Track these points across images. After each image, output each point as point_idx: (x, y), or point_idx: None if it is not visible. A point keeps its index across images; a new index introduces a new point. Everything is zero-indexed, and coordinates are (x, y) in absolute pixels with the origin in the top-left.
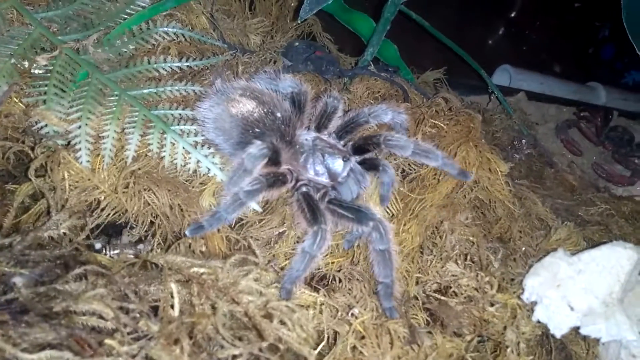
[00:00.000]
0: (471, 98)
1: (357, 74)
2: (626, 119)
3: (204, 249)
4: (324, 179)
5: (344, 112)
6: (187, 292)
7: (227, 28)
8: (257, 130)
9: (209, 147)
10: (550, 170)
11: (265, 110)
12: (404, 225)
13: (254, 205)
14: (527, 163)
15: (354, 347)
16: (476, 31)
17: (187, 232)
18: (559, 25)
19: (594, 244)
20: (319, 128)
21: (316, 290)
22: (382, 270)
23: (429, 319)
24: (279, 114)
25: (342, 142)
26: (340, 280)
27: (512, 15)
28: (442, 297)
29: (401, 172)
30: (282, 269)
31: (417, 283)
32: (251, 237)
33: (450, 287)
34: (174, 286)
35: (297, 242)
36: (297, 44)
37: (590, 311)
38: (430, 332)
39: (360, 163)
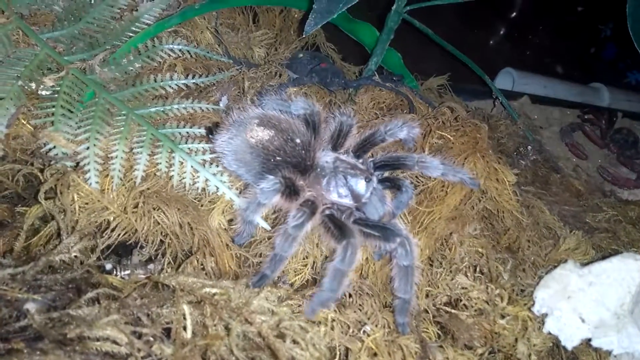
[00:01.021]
0: (475, 103)
1: (362, 85)
2: (630, 120)
3: (213, 265)
4: (348, 201)
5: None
6: (200, 313)
7: (232, 42)
8: (278, 158)
9: (217, 165)
10: (556, 176)
11: (284, 137)
12: (415, 237)
13: (263, 223)
14: (532, 169)
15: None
16: (478, 35)
17: (250, 284)
18: (560, 26)
19: (603, 253)
20: (336, 148)
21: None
22: (402, 285)
23: (439, 332)
24: (298, 140)
25: (360, 161)
26: (350, 296)
27: (513, 17)
28: (453, 310)
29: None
30: (291, 285)
31: (427, 296)
32: (260, 254)
33: (461, 300)
34: (186, 308)
35: (307, 256)
36: (301, 55)
37: (601, 323)
38: (441, 347)
39: (380, 181)
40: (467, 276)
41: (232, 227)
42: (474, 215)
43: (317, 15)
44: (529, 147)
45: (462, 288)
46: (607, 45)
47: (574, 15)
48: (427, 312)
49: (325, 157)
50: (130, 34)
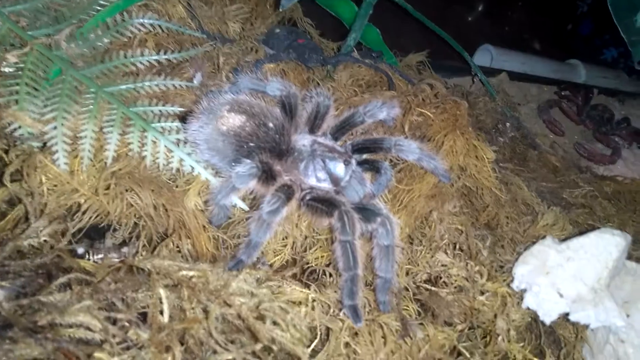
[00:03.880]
0: (454, 80)
1: (340, 61)
2: (606, 97)
3: (190, 247)
4: (327, 185)
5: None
6: (177, 296)
7: (205, 16)
8: (251, 144)
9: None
10: (534, 152)
11: (256, 122)
12: (394, 215)
13: (240, 203)
14: (511, 146)
15: (347, 344)
16: (457, 11)
17: (227, 269)
18: (539, 3)
19: (580, 228)
20: (313, 130)
21: (307, 286)
22: (383, 265)
23: (420, 310)
24: (271, 124)
25: (339, 143)
26: (330, 275)
27: None
28: (433, 288)
29: (389, 163)
30: (271, 266)
31: (407, 274)
32: (238, 236)
33: (441, 277)
34: (162, 291)
35: (286, 237)
36: (278, 31)
37: (579, 298)
38: (422, 324)
39: (359, 163)
40: (446, 253)
41: (208, 208)
42: (453, 192)
43: None
44: (507, 123)
45: (442, 265)
46: (583, 22)
47: None
48: (407, 290)
49: (303, 140)
50: (98, 8)
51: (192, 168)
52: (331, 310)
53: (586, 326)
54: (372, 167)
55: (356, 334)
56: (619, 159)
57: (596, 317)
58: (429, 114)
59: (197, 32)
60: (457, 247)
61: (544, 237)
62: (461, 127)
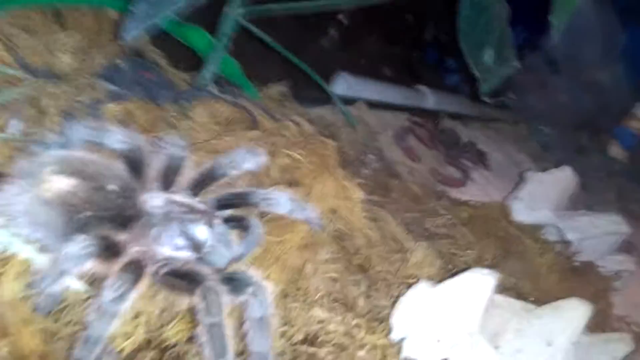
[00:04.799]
0: (316, 111)
1: (196, 96)
2: (452, 120)
3: (10, 349)
4: (186, 253)
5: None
6: None
7: (27, 46)
8: (86, 214)
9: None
10: (395, 182)
11: (92, 185)
12: (265, 272)
13: (75, 284)
14: (374, 177)
15: None
16: (312, 39)
17: None
18: (389, 32)
19: (447, 262)
20: (167, 186)
21: None
22: (258, 339)
23: None
24: (111, 186)
25: (198, 200)
26: (194, 355)
27: (347, 24)
28: (311, 349)
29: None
30: (120, 352)
31: (282, 336)
32: (75, 322)
33: (318, 336)
34: None
35: (138, 314)
36: (121, 63)
37: (456, 342)
38: None
39: (224, 221)
40: (322, 308)
41: (32, 294)
42: (325, 238)
43: (135, 20)
44: (370, 154)
45: (319, 322)
46: (429, 50)
47: (402, 22)
48: (283, 354)
49: (154, 200)
50: None
51: (5, 247)
52: None
53: None
54: (239, 224)
55: None
56: (469, 181)
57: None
58: (297, 155)
59: (13, 70)
60: (333, 298)
61: (416, 278)
62: (330, 168)
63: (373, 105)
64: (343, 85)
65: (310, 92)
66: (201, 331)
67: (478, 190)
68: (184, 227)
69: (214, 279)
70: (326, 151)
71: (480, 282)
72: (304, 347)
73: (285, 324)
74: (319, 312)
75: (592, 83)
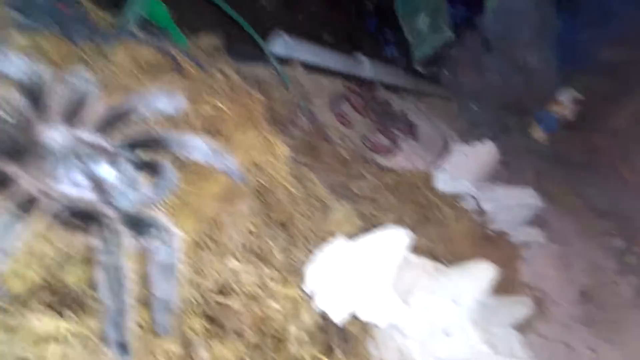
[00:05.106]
0: (249, 67)
1: (117, 38)
2: (386, 91)
3: None
4: (87, 192)
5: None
6: None
7: None
8: None
9: None
10: (327, 145)
11: None
12: (179, 221)
13: None
14: (305, 139)
15: None
16: None
17: None
18: None
19: (367, 221)
20: (71, 122)
21: (60, 314)
22: (163, 286)
23: (207, 325)
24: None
25: (105, 138)
26: (94, 298)
27: None
28: (222, 298)
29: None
30: (12, 293)
31: (193, 286)
32: None
33: (231, 286)
34: None
35: (33, 254)
36: None
37: (367, 297)
38: (208, 341)
39: (134, 164)
40: (237, 259)
41: None
42: (246, 192)
43: None
44: (302, 116)
45: (233, 272)
46: (369, 19)
47: None
48: (193, 303)
49: (52, 133)
50: None
51: None
52: (92, 344)
53: (373, 323)
54: (150, 168)
55: None
56: (398, 150)
57: (382, 314)
58: (222, 106)
59: None
60: (249, 250)
61: (335, 234)
62: (256, 121)
63: (310, 68)
64: (281, 45)
65: (244, 48)
66: (98, 272)
67: (405, 159)
68: (85, 164)
69: (115, 218)
70: (253, 104)
71: (395, 239)
72: (215, 297)
73: (197, 274)
74: (233, 263)
75: (522, 65)
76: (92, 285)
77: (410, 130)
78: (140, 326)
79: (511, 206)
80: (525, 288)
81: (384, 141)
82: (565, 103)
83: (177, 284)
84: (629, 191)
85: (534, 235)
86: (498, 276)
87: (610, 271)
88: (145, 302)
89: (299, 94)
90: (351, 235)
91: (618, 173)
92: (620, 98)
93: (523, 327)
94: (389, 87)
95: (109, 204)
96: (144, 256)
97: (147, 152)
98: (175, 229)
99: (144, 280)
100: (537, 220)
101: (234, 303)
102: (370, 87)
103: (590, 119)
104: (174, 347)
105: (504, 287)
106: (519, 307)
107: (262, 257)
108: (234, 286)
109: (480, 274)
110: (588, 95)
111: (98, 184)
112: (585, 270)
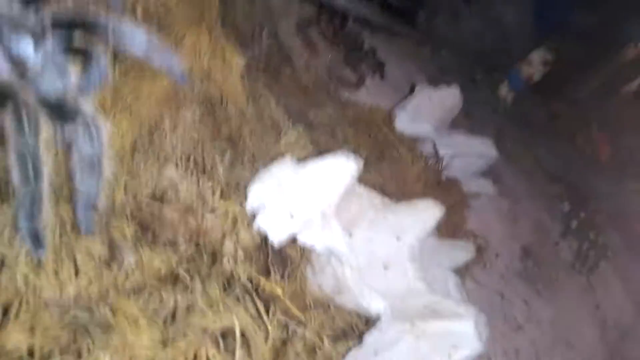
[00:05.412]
0: None
1: None
2: (359, 25)
3: None
4: (4, 69)
5: None
6: None
7: None
8: None
9: None
10: (288, 69)
11: None
12: (113, 119)
13: None
14: (266, 57)
15: (26, 277)
16: None
17: None
18: None
19: (320, 149)
20: None
21: None
22: (86, 178)
23: (138, 230)
24: None
25: (30, 12)
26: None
27: None
28: (157, 206)
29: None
30: None
31: (126, 189)
32: None
33: (167, 194)
34: None
35: None
36: None
37: (309, 220)
38: (137, 246)
39: (63, 47)
40: (177, 166)
41: None
42: (192, 98)
43: None
44: (264, 32)
45: (170, 181)
46: None
47: None
48: (124, 207)
49: None
50: None
51: None
52: (9, 234)
53: (312, 248)
54: (82, 55)
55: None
56: (363, 86)
57: (321, 239)
58: (168, 2)
59: None
60: (191, 160)
61: (283, 155)
62: (211, 26)
63: None
64: None
65: None
66: (11, 155)
67: (369, 96)
68: (3, 38)
69: (32, 96)
70: (210, 7)
71: (343, 165)
72: (148, 202)
73: (131, 178)
74: (171, 170)
75: (498, 20)
76: (6, 170)
77: (378, 67)
78: (62, 223)
79: (468, 155)
80: (469, 235)
81: (350, 75)
82: (534, 63)
83: (102, 180)
84: (582, 160)
85: (485, 187)
86: (444, 219)
87: (553, 232)
88: (69, 198)
89: (264, 12)
90: (301, 159)
91: (574, 141)
92: (588, 68)
93: (461, 272)
94: (361, 22)
95: (30, 86)
96: (67, 147)
97: (80, 37)
98: (102, 121)
99: (68, 173)
100: (491, 174)
101: (169, 212)
102: (342, 18)
103: (555, 84)
104: (98, 248)
105: (449, 231)
106: (460, 252)
107: (204, 170)
108: (171, 195)
109: (426, 213)
110: (558, 60)
111: (18, 63)
112: (530, 228)
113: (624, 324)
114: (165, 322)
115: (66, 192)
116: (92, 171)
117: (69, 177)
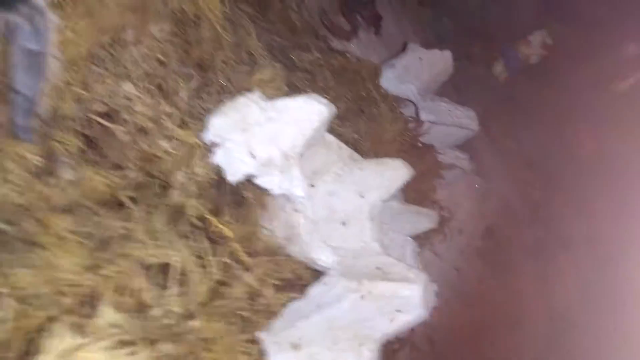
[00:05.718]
0: None
1: None
2: None
3: None
4: None
5: None
6: None
7: None
8: None
9: None
10: (278, 4)
11: None
12: (72, 22)
13: None
14: None
15: None
16: None
17: None
18: None
19: (296, 92)
20: None
21: None
22: (27, 78)
23: (84, 147)
24: None
25: None
26: None
27: None
28: (107, 123)
29: None
30: None
31: (77, 100)
32: None
33: (121, 112)
34: None
35: None
36: None
37: (269, 162)
38: (79, 164)
39: None
40: (136, 85)
41: None
42: (164, 12)
43: None
44: None
45: (127, 98)
46: None
47: None
48: (73, 120)
49: None
50: None
51: None
52: None
53: (268, 191)
54: None
55: None
56: (355, 38)
57: (280, 183)
58: None
59: None
60: (152, 80)
61: (252, 90)
62: None
63: None
64: None
65: None
66: None
67: (359, 49)
68: None
69: None
70: None
71: (314, 108)
72: (100, 119)
73: (83, 88)
74: (129, 87)
75: None
76: None
77: (374, 21)
78: None
79: (449, 124)
80: (435, 206)
81: (344, 24)
82: (533, 44)
83: (45, 83)
84: (563, 151)
85: (461, 160)
86: (412, 185)
87: (520, 217)
88: (5, 98)
89: None
90: (271, 97)
91: (559, 132)
92: (586, 57)
93: (421, 240)
94: None
95: None
96: (7, 39)
97: None
98: (53, 16)
99: (4, 70)
100: (469, 149)
101: (121, 133)
102: None
103: (551, 70)
104: (33, 157)
105: (416, 198)
106: (423, 220)
107: (165, 92)
108: (124, 114)
109: (394, 173)
110: (557, 45)
111: None
112: (498, 209)
113: (571, 316)
114: (97, 247)
115: (3, 90)
116: (33, 69)
117: (6, 74)
